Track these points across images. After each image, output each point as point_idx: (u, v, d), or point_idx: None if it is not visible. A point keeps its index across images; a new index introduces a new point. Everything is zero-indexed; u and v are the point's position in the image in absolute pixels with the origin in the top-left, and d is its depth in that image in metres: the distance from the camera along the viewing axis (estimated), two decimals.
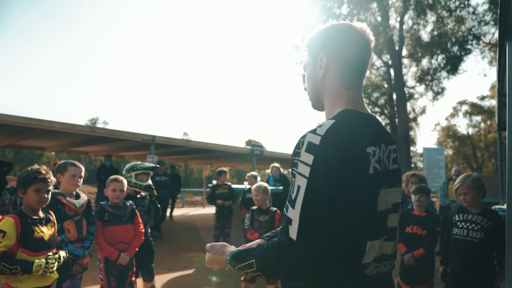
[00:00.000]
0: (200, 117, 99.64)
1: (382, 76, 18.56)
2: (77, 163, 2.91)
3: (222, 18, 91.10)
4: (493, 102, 26.43)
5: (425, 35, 15.97)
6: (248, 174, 6.56)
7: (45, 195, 2.30)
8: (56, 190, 2.76)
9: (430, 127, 66.53)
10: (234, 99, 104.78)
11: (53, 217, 2.47)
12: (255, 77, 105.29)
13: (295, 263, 0.96)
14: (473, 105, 32.87)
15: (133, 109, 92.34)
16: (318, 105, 1.24)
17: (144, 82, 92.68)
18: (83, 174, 2.93)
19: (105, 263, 3.12)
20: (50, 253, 2.28)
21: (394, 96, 15.82)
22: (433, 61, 15.95)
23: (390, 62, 15.79)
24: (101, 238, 3.07)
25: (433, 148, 11.97)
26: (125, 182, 3.32)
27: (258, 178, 6.89)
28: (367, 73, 18.69)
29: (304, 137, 1.02)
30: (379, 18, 14.76)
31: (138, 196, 3.80)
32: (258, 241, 1.29)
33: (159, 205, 4.11)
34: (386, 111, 17.88)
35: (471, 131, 35.23)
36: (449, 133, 35.31)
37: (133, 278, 3.29)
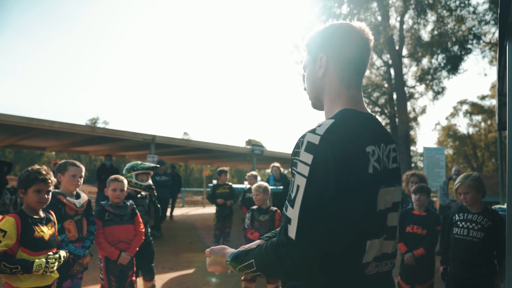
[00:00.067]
0: (200, 116, 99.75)
1: (382, 75, 18.54)
2: (78, 163, 2.91)
3: (222, 18, 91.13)
4: (494, 102, 26.42)
5: (425, 35, 15.97)
6: (248, 174, 6.56)
7: (45, 195, 2.30)
8: (57, 190, 2.77)
9: (431, 126, 66.62)
10: (234, 98, 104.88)
11: (53, 216, 2.47)
12: (255, 76, 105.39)
13: (294, 262, 0.96)
14: (473, 105, 32.86)
15: (133, 109, 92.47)
16: (318, 105, 1.25)
17: (144, 82, 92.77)
18: (83, 174, 2.93)
19: (106, 262, 3.13)
20: (51, 253, 2.28)
21: (394, 96, 15.81)
22: (433, 60, 15.95)
23: (390, 61, 15.77)
24: (102, 237, 3.08)
25: (433, 147, 11.96)
26: (125, 181, 3.32)
27: (258, 178, 6.89)
28: (367, 73, 18.69)
29: (303, 136, 1.02)
30: (379, 18, 14.75)
31: (139, 195, 3.81)
32: (258, 241, 1.29)
33: (159, 205, 4.11)
34: (386, 111, 17.87)
35: (471, 130, 35.25)
36: (450, 132, 35.30)
37: (134, 278, 3.29)
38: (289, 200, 1.00)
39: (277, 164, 7.71)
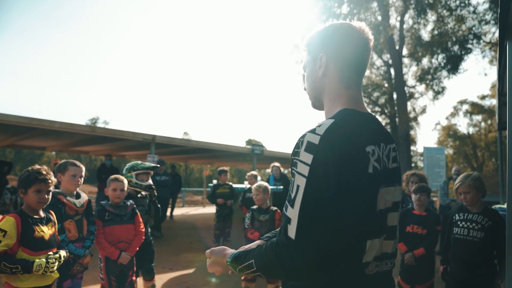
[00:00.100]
0: (201, 116, 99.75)
1: (382, 75, 18.54)
2: (78, 163, 2.91)
3: (223, 18, 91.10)
4: (494, 102, 26.42)
5: (425, 35, 15.96)
6: (248, 174, 6.56)
7: (46, 195, 2.30)
8: (57, 190, 2.77)
9: (431, 126, 66.63)
10: (234, 98, 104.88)
11: (53, 216, 2.47)
12: (255, 76, 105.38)
13: (294, 262, 0.96)
14: (473, 105, 32.85)
15: (133, 109, 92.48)
16: (318, 105, 1.25)
17: (144, 81, 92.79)
18: (83, 173, 2.93)
19: (106, 262, 3.13)
20: (51, 253, 2.28)
21: (395, 96, 15.80)
22: (433, 60, 15.94)
23: (390, 61, 15.77)
24: (102, 237, 3.08)
25: (433, 147, 11.96)
26: (125, 181, 3.32)
27: (259, 178, 6.89)
28: (368, 73, 18.68)
29: (303, 136, 1.02)
30: (379, 18, 14.75)
31: (139, 195, 3.81)
32: (258, 242, 1.29)
33: (159, 205, 4.11)
34: (386, 111, 17.87)
35: (471, 130, 35.23)
36: (450, 132, 35.29)
37: (134, 278, 3.29)
38: (289, 200, 1.00)
39: (277, 164, 7.71)
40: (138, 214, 3.38)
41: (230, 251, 1.19)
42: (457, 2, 13.92)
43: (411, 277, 3.51)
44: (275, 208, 4.13)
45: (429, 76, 16.58)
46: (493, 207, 3.53)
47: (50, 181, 2.31)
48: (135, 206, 3.40)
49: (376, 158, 1.04)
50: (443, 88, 16.94)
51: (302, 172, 0.97)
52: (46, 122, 7.71)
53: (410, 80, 18.16)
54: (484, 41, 15.05)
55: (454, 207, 3.30)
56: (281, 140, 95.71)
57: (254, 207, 4.13)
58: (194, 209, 15.90)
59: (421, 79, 17.00)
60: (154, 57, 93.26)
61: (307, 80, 1.24)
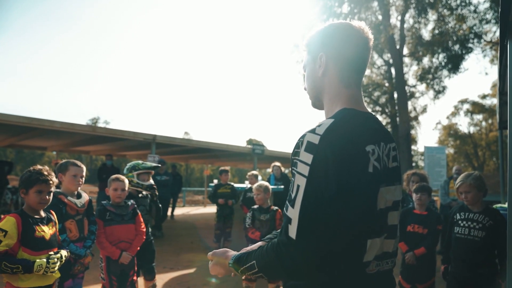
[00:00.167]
0: (201, 116, 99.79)
1: (383, 75, 18.53)
2: (79, 163, 2.92)
3: (223, 17, 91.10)
4: (495, 101, 26.39)
5: (426, 34, 15.93)
6: (249, 173, 6.57)
7: (47, 196, 2.30)
8: (58, 190, 2.77)
9: (431, 126, 66.56)
10: (235, 98, 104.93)
11: (54, 216, 2.47)
12: (256, 76, 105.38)
13: (295, 262, 0.96)
14: (474, 104, 32.79)
15: (134, 109, 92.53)
16: (318, 104, 1.25)
17: (145, 81, 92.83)
18: (84, 173, 2.93)
19: (107, 262, 3.13)
20: (52, 253, 2.29)
21: (395, 95, 15.79)
22: (434, 59, 15.92)
23: (391, 61, 15.76)
24: (103, 237, 3.08)
25: (434, 147, 11.94)
26: (126, 181, 3.33)
27: (259, 177, 6.89)
28: (368, 72, 18.67)
29: (303, 136, 1.02)
30: (380, 17, 14.74)
31: (140, 195, 3.81)
32: (259, 243, 1.30)
33: (160, 205, 4.11)
34: (387, 110, 17.86)
35: (472, 129, 35.18)
36: (450, 131, 35.24)
37: (135, 277, 3.30)
38: (290, 200, 1.00)
39: (278, 164, 7.71)
40: (139, 214, 3.38)
41: (232, 253, 1.19)
42: (458, 1, 13.89)
43: (412, 276, 3.51)
44: (276, 207, 4.13)
45: (430, 76, 16.55)
46: (494, 206, 3.53)
47: (51, 182, 2.31)
48: (136, 206, 3.40)
49: (376, 157, 1.04)
50: (444, 88, 16.93)
51: (302, 172, 0.97)
52: (47, 122, 7.72)
53: (411, 80, 18.16)
54: (484, 40, 15.03)
55: (455, 206, 3.30)
56: (281, 139, 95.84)
57: (255, 206, 4.13)
58: (195, 209, 15.91)
59: (421, 78, 16.98)
60: (154, 57, 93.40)
61: (307, 79, 1.25)
